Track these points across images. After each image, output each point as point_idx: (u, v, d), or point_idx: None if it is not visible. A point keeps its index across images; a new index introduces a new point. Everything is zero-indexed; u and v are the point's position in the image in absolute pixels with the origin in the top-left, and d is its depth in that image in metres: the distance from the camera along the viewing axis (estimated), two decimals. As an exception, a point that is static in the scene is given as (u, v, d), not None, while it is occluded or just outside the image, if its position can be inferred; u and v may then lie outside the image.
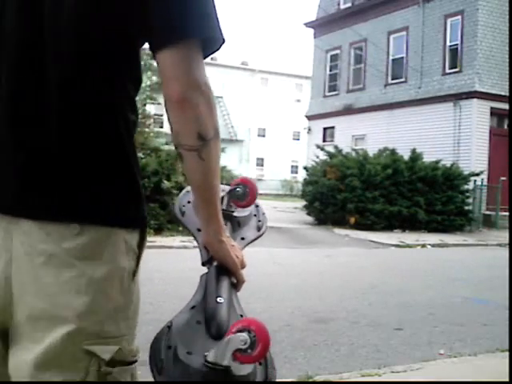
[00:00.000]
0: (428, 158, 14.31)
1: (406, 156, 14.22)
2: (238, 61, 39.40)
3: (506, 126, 17.06)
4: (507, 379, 2.86)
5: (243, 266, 1.15)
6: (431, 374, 3.39)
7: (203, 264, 1.14)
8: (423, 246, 11.11)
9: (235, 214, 1.27)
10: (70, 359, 0.93)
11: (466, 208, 14.37)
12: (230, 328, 0.91)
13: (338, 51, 21.97)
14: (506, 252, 9.59)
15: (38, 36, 0.97)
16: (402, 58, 19.25)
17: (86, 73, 0.98)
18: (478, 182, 14.98)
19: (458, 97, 16.82)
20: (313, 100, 23.52)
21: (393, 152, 14.49)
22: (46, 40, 0.97)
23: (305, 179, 15.78)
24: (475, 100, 16.50)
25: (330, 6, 22.44)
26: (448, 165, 14.27)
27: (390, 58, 19.68)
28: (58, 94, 0.97)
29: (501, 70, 16.56)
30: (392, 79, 19.60)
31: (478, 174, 14.53)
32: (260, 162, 40.07)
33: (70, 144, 0.97)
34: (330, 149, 15.54)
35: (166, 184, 9.91)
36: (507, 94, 14.91)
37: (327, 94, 22.57)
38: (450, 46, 17.63)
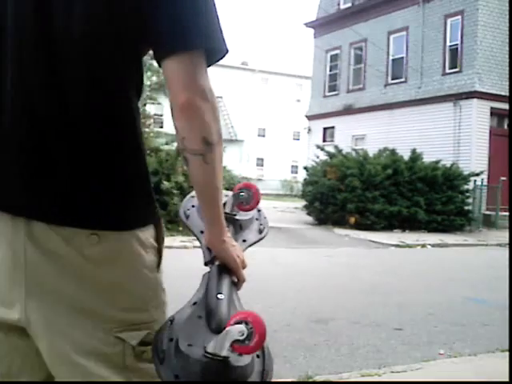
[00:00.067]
0: (428, 158, 14.30)
1: (406, 156, 14.22)
2: (238, 61, 39.40)
3: (506, 126, 17.05)
4: (507, 379, 2.86)
5: (244, 266, 1.19)
6: (431, 374, 3.39)
7: (205, 264, 1.18)
8: (423, 246, 11.11)
9: (237, 217, 1.31)
10: (106, 346, 1.01)
11: (466, 208, 14.37)
12: (229, 320, 0.95)
13: (337, 51, 21.97)
14: (505, 252, 9.59)
15: (47, 38, 0.99)
16: (402, 58, 19.24)
17: (94, 78, 1.00)
18: (478, 182, 14.98)
19: (458, 97, 16.81)
20: (313, 100, 23.52)
21: (393, 152, 14.49)
22: (55, 43, 0.99)
23: (305, 179, 15.77)
24: (475, 100, 16.49)
25: (330, 6, 22.43)
26: (448, 165, 14.26)
27: (390, 58, 19.67)
28: (67, 97, 0.99)
29: (501, 70, 16.56)
30: (392, 79, 19.60)
31: (478, 174, 14.52)
32: (260, 162, 40.08)
33: (83, 149, 0.99)
34: (330, 149, 15.53)
35: (165, 184, 9.91)
36: (507, 93, 14.90)
37: (327, 94, 22.57)
38: (450, 45, 17.63)
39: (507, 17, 16.04)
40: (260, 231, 1.36)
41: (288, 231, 12.11)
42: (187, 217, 1.29)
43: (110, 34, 0.99)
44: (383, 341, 4.18)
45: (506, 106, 15.42)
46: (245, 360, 0.95)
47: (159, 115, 14.93)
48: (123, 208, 1.03)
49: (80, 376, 1.01)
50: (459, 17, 17.25)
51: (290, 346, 3.88)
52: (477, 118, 16.45)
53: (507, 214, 14.04)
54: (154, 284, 1.09)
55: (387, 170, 13.32)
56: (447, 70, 17.60)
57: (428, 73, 18.16)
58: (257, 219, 1.38)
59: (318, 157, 15.41)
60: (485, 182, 15.40)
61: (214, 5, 1.02)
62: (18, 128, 1.01)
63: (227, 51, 1.03)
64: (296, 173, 37.20)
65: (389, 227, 13.18)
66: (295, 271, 7.38)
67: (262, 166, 39.96)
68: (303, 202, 15.76)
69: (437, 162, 14.16)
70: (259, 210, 1.40)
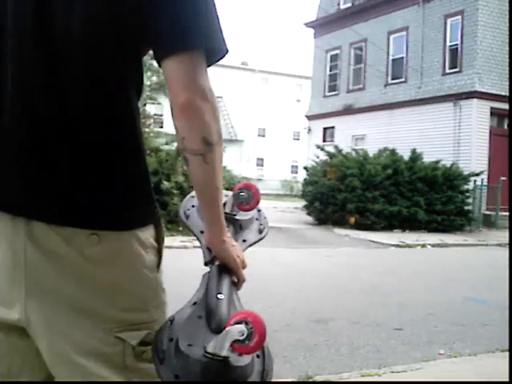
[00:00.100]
0: (428, 158, 14.30)
1: (406, 156, 14.22)
2: (238, 61, 39.39)
3: (506, 126, 17.05)
4: (507, 379, 2.86)
5: (244, 266, 1.19)
6: (431, 374, 3.39)
7: (205, 264, 1.19)
8: (423, 246, 11.11)
9: (237, 217, 1.32)
10: (106, 346, 1.01)
11: (466, 208, 14.37)
12: (229, 320, 0.95)
13: (337, 51, 21.96)
14: (505, 252, 9.59)
15: (47, 38, 0.99)
16: (402, 58, 19.24)
17: (94, 78, 1.00)
18: (478, 182, 14.98)
19: (458, 97, 16.81)
20: (313, 100, 23.52)
21: (393, 152, 14.49)
22: (55, 43, 0.99)
23: (305, 179, 15.77)
24: (475, 100, 16.49)
25: (330, 6, 22.43)
26: (448, 165, 14.26)
27: (390, 58, 19.67)
28: (67, 97, 0.99)
29: (501, 70, 16.56)
30: (392, 79, 19.60)
31: (478, 174, 14.52)
32: (260, 162, 40.07)
33: (83, 149, 1.00)
34: (330, 149, 15.53)
35: (165, 184, 9.91)
36: (507, 93, 14.90)
37: (327, 94, 22.56)
38: (450, 45, 17.62)
39: (507, 17, 16.04)
40: (260, 231, 1.36)
41: (288, 231, 12.11)
42: (187, 217, 1.30)
43: (110, 34, 0.99)
44: (383, 341, 4.18)
45: (506, 106, 15.42)
46: (245, 360, 0.95)
47: (159, 115, 14.93)
48: (123, 208, 1.03)
49: (80, 376, 1.01)
50: (459, 17, 17.24)
51: (289, 346, 3.88)
52: (477, 118, 16.45)
53: (507, 213, 14.04)
54: (154, 284, 1.09)
55: (387, 169, 13.32)
56: (447, 70, 17.60)
57: (428, 73, 18.16)
58: (257, 219, 1.38)
59: (318, 157, 15.41)
60: (485, 182, 15.40)
61: (214, 5, 1.02)
62: (18, 128, 1.01)
63: (227, 51, 1.03)
64: (296, 173, 37.20)
65: (389, 227, 13.18)
66: (295, 271, 7.38)
67: (262, 166, 39.95)
68: (303, 202, 15.76)
69: (437, 162, 14.16)
70: (259, 210, 1.40)
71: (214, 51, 1.02)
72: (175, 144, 11.03)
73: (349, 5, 21.51)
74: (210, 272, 1.15)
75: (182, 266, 5.48)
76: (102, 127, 1.00)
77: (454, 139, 16.77)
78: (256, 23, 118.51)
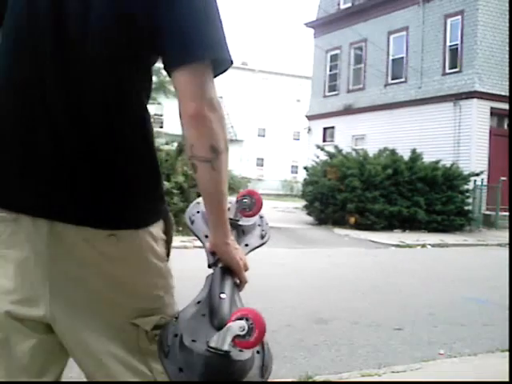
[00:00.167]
0: (428, 158, 14.30)
1: (406, 156, 14.22)
2: (238, 61, 39.37)
3: (506, 126, 17.05)
4: (507, 379, 2.86)
5: (246, 269, 1.25)
6: (431, 374, 3.39)
7: (209, 266, 1.24)
8: (423, 246, 11.11)
9: (240, 222, 1.38)
10: (124, 332, 1.10)
11: (466, 208, 14.37)
12: (230, 317, 1.01)
13: (337, 51, 21.96)
14: (505, 252, 9.59)
15: (67, 63, 1.04)
16: (402, 58, 19.24)
17: (115, 94, 1.06)
18: (478, 182, 14.98)
19: (458, 97, 16.81)
20: (313, 100, 23.52)
21: (393, 152, 14.49)
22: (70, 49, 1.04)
23: (305, 179, 15.77)
24: (475, 100, 16.49)
25: (330, 6, 22.43)
26: (448, 165, 14.27)
27: (390, 58, 19.67)
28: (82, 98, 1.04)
29: (501, 70, 16.55)
30: (392, 79, 19.60)
31: (477, 174, 14.53)
32: (260, 162, 40.07)
33: (102, 155, 1.05)
34: (330, 149, 15.53)
35: (165, 184, 9.91)
36: (507, 93, 14.90)
37: (327, 93, 22.56)
38: (450, 45, 17.63)
39: (507, 17, 16.04)
40: (262, 237, 1.42)
41: (288, 231, 12.11)
42: (192, 222, 1.37)
43: (128, 57, 1.05)
44: (383, 341, 4.18)
45: (506, 106, 15.43)
46: (245, 355, 1.01)
47: (159, 115, 14.94)
48: (140, 208, 1.10)
49: (104, 367, 1.09)
50: (459, 17, 17.24)
51: (289, 346, 3.88)
52: (477, 118, 16.45)
53: (507, 213, 14.05)
54: (165, 272, 1.17)
55: (387, 170, 13.33)
56: (447, 70, 17.60)
57: (428, 73, 18.16)
58: (259, 225, 1.44)
59: (318, 157, 15.41)
60: (485, 182, 15.40)
61: (219, 14, 1.07)
62: (41, 128, 1.06)
63: (232, 62, 1.10)
64: (296, 173, 37.19)
65: (389, 227, 13.18)
66: (295, 271, 7.37)
67: (262, 166, 39.95)
68: (303, 202, 15.76)
69: (437, 162, 14.16)
70: (261, 217, 1.46)
71: (220, 62, 1.09)
72: (175, 144, 11.04)
73: (349, 5, 21.51)
74: (214, 273, 1.20)
75: (182, 266, 5.47)
76: (119, 133, 1.06)
77: (454, 139, 16.77)
78: (256, 23, 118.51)
